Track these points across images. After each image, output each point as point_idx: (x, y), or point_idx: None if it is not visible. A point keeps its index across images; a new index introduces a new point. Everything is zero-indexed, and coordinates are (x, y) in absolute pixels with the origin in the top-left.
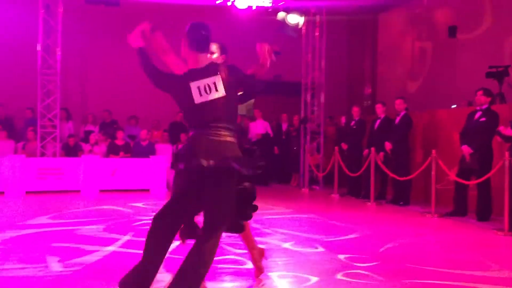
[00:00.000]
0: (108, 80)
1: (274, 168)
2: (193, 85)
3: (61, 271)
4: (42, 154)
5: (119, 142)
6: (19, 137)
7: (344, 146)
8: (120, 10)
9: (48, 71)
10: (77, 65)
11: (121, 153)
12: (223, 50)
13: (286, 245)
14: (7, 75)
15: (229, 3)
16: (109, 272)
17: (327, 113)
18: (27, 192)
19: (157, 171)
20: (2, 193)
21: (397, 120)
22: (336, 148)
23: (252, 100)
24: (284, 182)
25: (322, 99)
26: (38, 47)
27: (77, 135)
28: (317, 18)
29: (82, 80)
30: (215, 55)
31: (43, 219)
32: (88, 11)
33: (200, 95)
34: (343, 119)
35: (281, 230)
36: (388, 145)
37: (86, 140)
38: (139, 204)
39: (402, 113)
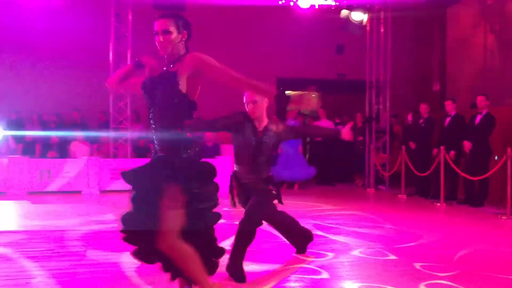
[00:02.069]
0: None
1: (338, 168)
2: None
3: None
4: (115, 156)
5: None
6: (94, 139)
7: (412, 144)
8: (186, 14)
9: None
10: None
11: None
12: (182, 26)
13: (355, 252)
14: (82, 81)
15: (291, 3)
16: None
17: (393, 111)
18: (102, 191)
19: (222, 171)
20: (79, 192)
21: (478, 118)
22: (403, 147)
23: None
24: (349, 182)
25: (388, 97)
26: (110, 53)
27: (147, 137)
28: (382, 14)
29: None
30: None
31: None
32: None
33: None
34: (409, 117)
35: (347, 234)
36: (467, 145)
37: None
38: None
39: (484, 111)
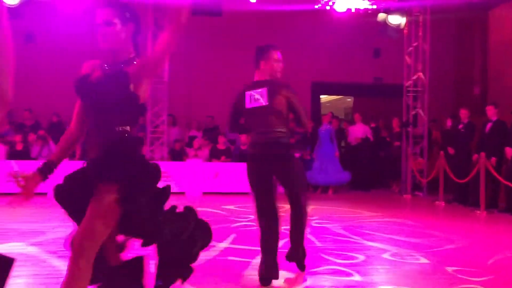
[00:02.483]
0: (211, 88)
1: (374, 173)
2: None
3: None
4: (151, 158)
5: (221, 146)
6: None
7: (451, 150)
8: (222, 20)
9: (156, 80)
10: (183, 74)
11: (223, 157)
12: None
13: (386, 255)
14: None
15: (328, 7)
16: (220, 270)
17: (431, 116)
18: None
19: None
20: None
21: None
22: (442, 152)
23: (351, 103)
24: (385, 188)
25: (426, 101)
26: None
27: (182, 140)
28: (420, 17)
29: (187, 88)
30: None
31: None
32: (192, 22)
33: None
34: (449, 122)
35: (381, 240)
36: (510, 152)
37: (190, 144)
38: (231, 207)
39: None
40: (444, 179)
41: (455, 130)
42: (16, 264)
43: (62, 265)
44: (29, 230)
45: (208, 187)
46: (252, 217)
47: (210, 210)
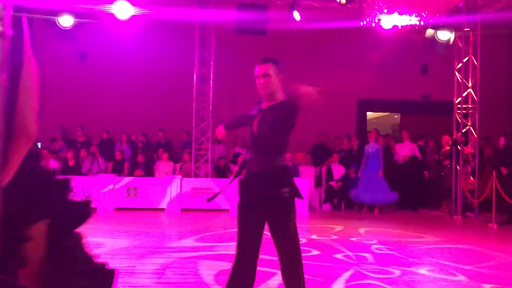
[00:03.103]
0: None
1: (422, 192)
2: None
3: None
4: (196, 175)
5: None
6: (178, 158)
7: (504, 170)
8: (267, 38)
9: (202, 98)
10: (228, 91)
11: None
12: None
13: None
14: (167, 103)
15: (373, 24)
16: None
17: (483, 134)
18: (183, 210)
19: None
20: (163, 209)
21: None
22: (494, 172)
23: (398, 120)
24: (434, 208)
25: (477, 118)
26: (194, 77)
27: (226, 157)
28: (471, 32)
29: (231, 105)
30: None
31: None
32: (237, 41)
33: None
34: (502, 140)
35: (429, 263)
36: None
37: (234, 161)
38: None
39: None
40: (496, 200)
41: (508, 148)
42: None
43: None
44: None
45: None
46: None
47: None
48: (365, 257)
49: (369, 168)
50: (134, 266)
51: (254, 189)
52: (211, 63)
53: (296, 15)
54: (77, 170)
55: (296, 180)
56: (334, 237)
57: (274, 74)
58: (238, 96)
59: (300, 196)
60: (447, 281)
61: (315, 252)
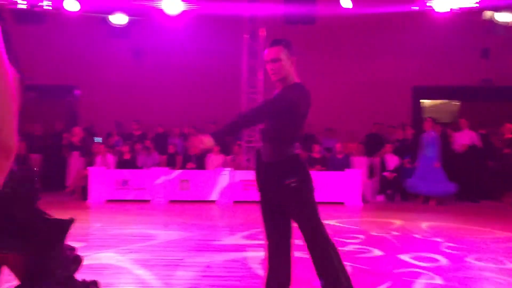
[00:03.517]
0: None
1: (483, 183)
2: None
3: None
4: (247, 168)
5: (316, 155)
6: (229, 151)
7: None
8: (316, 27)
9: (251, 90)
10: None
11: (318, 166)
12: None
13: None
14: (217, 96)
15: (428, 7)
16: None
17: None
18: (235, 202)
19: (352, 184)
20: (213, 201)
21: None
22: None
23: (457, 107)
24: (496, 200)
25: None
26: (243, 69)
27: None
28: None
29: None
30: None
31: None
32: (287, 31)
33: None
34: None
35: (492, 259)
36: None
37: None
38: (333, 222)
39: None
40: None
41: None
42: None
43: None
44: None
45: None
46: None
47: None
48: (437, 259)
49: (426, 157)
50: (182, 259)
51: (262, 180)
52: (261, 54)
53: (347, 3)
54: (132, 163)
55: (348, 172)
56: (395, 233)
57: (285, 58)
58: None
59: (311, 186)
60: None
61: (377, 253)
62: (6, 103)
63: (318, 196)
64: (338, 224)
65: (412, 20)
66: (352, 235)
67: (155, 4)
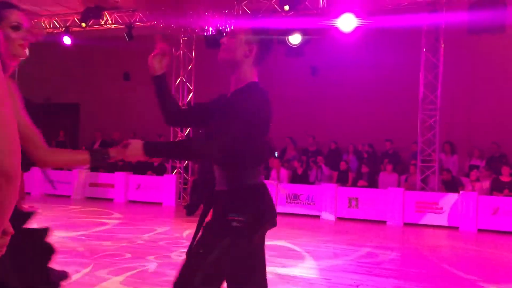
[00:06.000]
0: (494, 111)
1: None
2: None
3: None
4: (422, 188)
5: (505, 178)
6: (404, 170)
7: None
8: (505, 36)
9: (428, 106)
10: (461, 97)
11: (506, 191)
12: None
13: None
14: (393, 113)
15: None
16: None
17: None
18: (405, 224)
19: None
20: (384, 222)
21: None
22: None
23: None
24: None
25: None
26: (420, 84)
27: (461, 169)
28: None
29: (466, 112)
30: None
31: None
32: (469, 43)
33: None
34: None
35: None
36: None
37: (468, 174)
38: None
39: None
40: None
41: None
42: None
43: None
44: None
45: (485, 223)
46: None
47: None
48: None
49: None
50: (330, 279)
51: (208, 211)
52: (439, 69)
53: None
54: (305, 178)
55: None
56: None
57: None
58: (474, 101)
59: (261, 228)
60: None
61: None
62: (7, 120)
63: (503, 225)
64: None
65: None
66: None
67: (330, 23)
